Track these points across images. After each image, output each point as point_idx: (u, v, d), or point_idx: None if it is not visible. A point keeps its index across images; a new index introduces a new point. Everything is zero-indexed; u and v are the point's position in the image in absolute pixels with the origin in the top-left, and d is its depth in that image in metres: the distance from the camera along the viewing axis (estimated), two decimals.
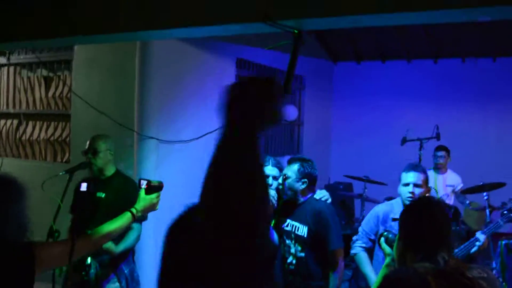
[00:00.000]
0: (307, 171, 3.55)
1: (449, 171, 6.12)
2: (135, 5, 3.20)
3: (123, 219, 2.69)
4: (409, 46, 8.69)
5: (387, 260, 2.56)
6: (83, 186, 2.90)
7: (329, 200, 3.59)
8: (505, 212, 3.55)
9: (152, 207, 2.76)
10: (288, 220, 3.63)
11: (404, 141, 5.54)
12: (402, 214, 2.35)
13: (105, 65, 5.70)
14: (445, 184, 5.97)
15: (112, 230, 2.63)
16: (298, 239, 3.53)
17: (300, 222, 3.54)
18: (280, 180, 3.60)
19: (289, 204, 3.61)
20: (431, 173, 6.12)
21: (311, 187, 3.59)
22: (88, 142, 4.01)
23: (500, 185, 5.16)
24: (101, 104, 5.64)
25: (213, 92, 6.39)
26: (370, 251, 3.69)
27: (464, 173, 6.01)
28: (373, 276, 3.50)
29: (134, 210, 2.70)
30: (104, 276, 3.70)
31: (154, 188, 2.76)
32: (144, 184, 2.74)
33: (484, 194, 5.10)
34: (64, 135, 6.17)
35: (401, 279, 2.06)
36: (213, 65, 6.52)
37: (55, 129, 6.24)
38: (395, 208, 3.58)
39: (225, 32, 3.17)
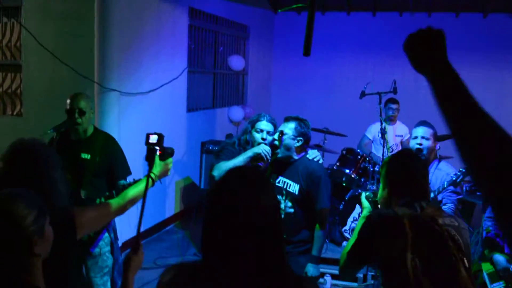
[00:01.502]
0: (303, 130, 3.66)
1: (398, 122, 6.47)
2: None
3: (142, 184, 2.69)
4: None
5: (364, 211, 2.79)
6: (153, 138, 2.61)
7: (321, 161, 3.74)
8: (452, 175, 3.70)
9: (166, 172, 2.77)
10: (280, 177, 3.74)
11: (363, 94, 5.76)
12: (387, 164, 2.59)
13: (60, 12, 5.40)
14: (395, 134, 6.34)
15: (137, 195, 2.65)
16: (289, 195, 3.66)
17: (292, 179, 3.65)
18: (276, 136, 3.68)
19: (281, 161, 3.71)
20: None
21: (305, 146, 3.71)
22: (69, 102, 3.81)
23: (449, 136, 5.59)
24: (57, 55, 5.37)
25: (166, 42, 6.31)
26: None
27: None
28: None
29: (152, 175, 2.70)
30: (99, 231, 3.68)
31: (167, 153, 2.75)
32: (155, 139, 2.66)
33: (437, 145, 5.49)
34: (14, 87, 5.83)
35: (380, 217, 2.37)
36: (167, 14, 6.36)
37: (3, 80, 5.86)
38: None
39: None
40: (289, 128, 3.67)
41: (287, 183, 3.68)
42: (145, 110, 5.91)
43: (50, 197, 2.18)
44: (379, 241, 2.34)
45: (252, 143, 3.80)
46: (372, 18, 9.22)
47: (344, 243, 3.92)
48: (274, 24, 9.77)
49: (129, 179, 3.83)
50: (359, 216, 4.03)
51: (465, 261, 2.27)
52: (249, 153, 3.63)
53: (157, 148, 2.74)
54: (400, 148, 6.43)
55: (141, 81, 5.86)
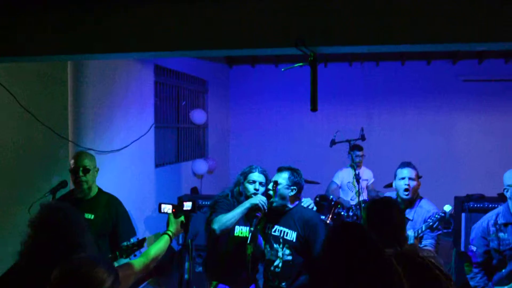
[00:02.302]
0: (296, 180, 3.80)
1: (363, 167, 6.76)
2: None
3: (163, 242, 2.84)
4: None
5: None
6: (187, 205, 2.94)
7: (315, 208, 3.89)
8: (428, 220, 3.98)
9: (179, 228, 2.97)
10: (276, 226, 3.84)
11: (333, 143, 6.00)
12: (367, 209, 2.88)
13: (33, 73, 5.36)
14: (361, 179, 6.60)
15: (159, 252, 2.76)
16: (286, 243, 3.76)
17: (289, 227, 3.76)
18: (270, 186, 3.79)
19: (276, 210, 3.82)
20: (348, 170, 6.72)
21: (298, 195, 3.85)
22: (73, 161, 3.83)
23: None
24: (27, 114, 5.31)
25: (135, 99, 6.38)
26: None
27: (380, 169, 6.74)
28: None
29: (170, 233, 2.88)
30: None
31: (179, 211, 2.99)
32: (170, 209, 2.98)
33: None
34: None
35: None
36: (134, 72, 6.45)
37: None
38: None
39: (253, 52, 3.30)
40: (282, 178, 3.80)
41: (284, 231, 3.78)
42: (117, 167, 5.89)
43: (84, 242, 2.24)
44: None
45: (245, 194, 3.90)
46: (323, 69, 9.64)
47: None
48: (229, 78, 10.02)
49: (133, 239, 3.82)
50: None
51: (454, 286, 2.50)
52: (246, 204, 3.72)
53: (169, 205, 2.97)
54: (366, 191, 6.69)
55: (112, 139, 5.86)
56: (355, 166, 6.05)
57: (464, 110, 9.10)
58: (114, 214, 3.82)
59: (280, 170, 3.89)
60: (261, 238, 3.97)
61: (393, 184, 4.23)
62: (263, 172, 3.96)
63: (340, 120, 9.39)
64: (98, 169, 3.96)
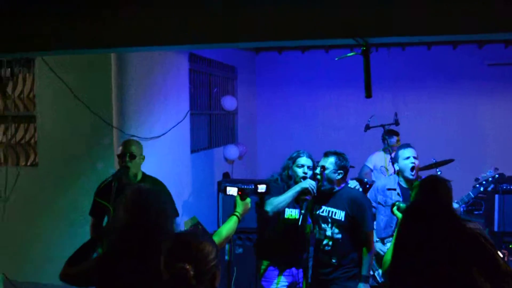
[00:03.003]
0: (343, 164, 3.96)
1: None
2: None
3: (232, 222, 3.02)
4: None
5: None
6: (261, 188, 3.14)
7: (360, 189, 4.07)
8: (477, 185, 4.24)
9: (247, 210, 3.15)
10: (324, 207, 4.02)
11: (367, 127, 6.15)
12: (417, 187, 3.06)
13: (75, 63, 5.54)
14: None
15: (230, 233, 2.94)
16: (335, 222, 3.93)
17: (337, 207, 3.94)
18: (318, 171, 3.96)
19: (323, 192, 3.99)
20: (381, 154, 6.85)
21: (345, 178, 4.01)
22: (121, 147, 4.05)
23: (449, 161, 6.08)
24: (73, 103, 5.51)
25: (172, 86, 6.55)
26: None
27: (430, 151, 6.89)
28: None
29: (237, 214, 3.06)
30: None
31: (245, 193, 3.17)
32: (235, 191, 3.16)
33: (438, 170, 5.94)
34: (27, 138, 5.90)
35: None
36: (171, 60, 6.61)
37: (16, 131, 5.93)
38: (391, 181, 4.51)
39: (312, 42, 3.44)
40: (329, 163, 3.96)
41: (332, 212, 3.95)
42: (157, 153, 6.07)
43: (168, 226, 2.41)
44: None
45: (294, 178, 4.06)
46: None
47: (384, 249, 4.27)
48: (255, 64, 10.15)
49: (177, 220, 4.02)
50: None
51: (498, 252, 2.71)
52: (297, 187, 3.88)
53: (235, 188, 3.16)
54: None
55: (152, 126, 6.04)
56: (390, 150, 6.15)
57: (489, 94, 9.15)
58: None
59: (326, 155, 4.04)
60: (310, 219, 4.15)
61: (396, 167, 4.41)
62: (310, 157, 4.11)
63: (367, 105, 9.48)
64: (144, 157, 4.15)
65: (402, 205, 3.35)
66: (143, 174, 4.16)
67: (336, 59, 3.79)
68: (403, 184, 4.33)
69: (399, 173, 4.37)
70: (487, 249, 2.63)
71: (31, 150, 5.91)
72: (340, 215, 3.91)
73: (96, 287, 2.48)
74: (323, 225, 4.00)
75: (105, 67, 5.44)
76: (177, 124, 6.61)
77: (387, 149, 6.51)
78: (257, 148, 10.08)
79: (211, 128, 8.06)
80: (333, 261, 3.96)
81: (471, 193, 4.34)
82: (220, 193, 5.96)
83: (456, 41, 8.92)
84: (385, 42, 9.03)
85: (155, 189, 2.54)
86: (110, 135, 5.51)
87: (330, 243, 3.96)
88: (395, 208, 3.36)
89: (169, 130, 6.36)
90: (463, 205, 4.28)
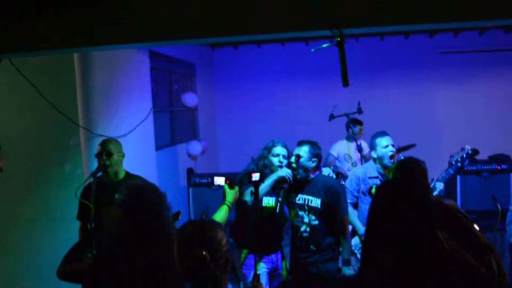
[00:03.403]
0: (316, 152, 4.09)
1: (360, 139, 7.08)
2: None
3: (223, 212, 3.08)
4: None
5: None
6: (255, 176, 3.18)
7: (334, 177, 4.21)
8: (453, 162, 4.42)
9: (236, 198, 3.23)
10: (300, 195, 4.14)
11: (332, 117, 6.31)
12: (394, 169, 3.23)
13: (38, 64, 5.44)
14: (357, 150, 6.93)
15: (222, 222, 3.01)
16: (311, 210, 4.06)
17: (313, 195, 4.07)
18: (293, 159, 4.06)
19: (299, 181, 4.10)
20: (344, 142, 7.04)
21: (319, 166, 4.14)
22: (99, 147, 4.03)
23: (412, 146, 6.33)
24: (37, 105, 5.41)
25: (135, 85, 6.53)
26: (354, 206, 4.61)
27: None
28: (359, 224, 4.31)
29: (228, 203, 3.13)
30: None
31: (233, 182, 3.26)
32: (222, 181, 3.23)
33: (401, 155, 6.16)
34: None
35: None
36: (132, 58, 6.56)
37: None
38: (369, 169, 4.53)
39: (284, 36, 3.49)
40: (303, 151, 4.08)
41: (308, 199, 4.07)
42: (125, 152, 6.04)
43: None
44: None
45: (270, 167, 4.15)
46: (304, 47, 9.88)
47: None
48: (212, 60, 10.18)
49: None
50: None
51: (475, 225, 2.88)
52: (274, 176, 3.98)
53: (222, 178, 3.23)
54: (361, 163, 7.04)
55: (118, 124, 5.99)
56: (356, 137, 6.31)
57: (442, 81, 9.52)
58: None
59: (300, 144, 4.16)
60: (286, 207, 4.26)
61: (374, 155, 4.54)
62: (285, 146, 4.22)
63: (323, 95, 9.71)
64: (123, 155, 4.14)
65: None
66: (126, 173, 4.16)
67: (312, 50, 3.86)
68: (381, 171, 4.46)
69: (376, 160, 4.49)
70: (464, 222, 2.79)
71: None
72: (316, 202, 4.04)
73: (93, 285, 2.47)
74: (300, 213, 4.12)
75: (69, 67, 5.38)
76: (142, 122, 6.58)
77: (351, 137, 6.70)
78: (218, 143, 10.13)
79: (173, 125, 8.05)
80: (311, 247, 4.08)
81: (450, 170, 4.43)
82: (190, 187, 5.99)
83: (408, 31, 9.22)
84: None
85: (150, 184, 2.55)
86: (77, 136, 5.46)
87: (308, 229, 4.08)
88: (373, 190, 3.49)
89: (134, 128, 6.31)
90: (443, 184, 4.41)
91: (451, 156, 4.61)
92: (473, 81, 9.51)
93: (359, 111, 6.29)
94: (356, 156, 6.92)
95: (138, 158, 6.47)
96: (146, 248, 2.27)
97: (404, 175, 3.19)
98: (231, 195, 3.23)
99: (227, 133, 10.08)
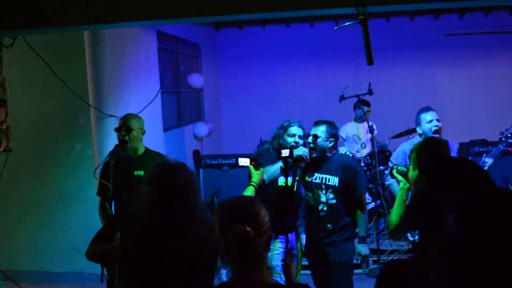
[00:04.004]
0: (333, 132, 4.08)
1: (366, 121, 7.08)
2: None
3: (250, 192, 3.09)
4: None
5: (401, 185, 3.38)
6: (285, 152, 3.18)
7: (351, 155, 4.21)
8: (503, 138, 4.35)
9: (262, 179, 3.23)
10: (316, 174, 4.12)
11: (342, 98, 6.29)
12: (417, 149, 3.18)
13: (48, 44, 5.40)
14: (366, 132, 6.92)
15: None
16: (329, 188, 4.05)
17: (330, 174, 4.06)
18: (310, 139, 4.05)
19: (315, 160, 4.10)
20: (352, 124, 7.03)
21: (335, 145, 4.13)
22: (120, 121, 4.00)
23: (411, 131, 6.33)
24: (46, 85, 5.38)
25: (143, 65, 6.48)
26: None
27: (391, 120, 7.11)
28: None
29: (254, 184, 3.13)
30: None
31: (258, 164, 3.26)
32: (247, 162, 3.23)
33: (411, 136, 6.18)
34: None
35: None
36: (141, 38, 6.51)
37: None
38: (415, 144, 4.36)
39: (310, 13, 3.45)
40: (321, 131, 4.06)
41: (326, 178, 4.07)
42: None
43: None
44: (427, 211, 2.84)
45: (285, 147, 4.14)
46: (310, 29, 9.83)
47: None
48: (217, 41, 10.12)
49: None
50: None
51: None
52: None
53: (247, 159, 3.23)
54: (370, 144, 7.04)
55: (127, 105, 5.96)
56: (367, 118, 6.29)
57: (447, 63, 9.50)
58: None
59: (317, 124, 4.14)
60: (302, 186, 4.26)
61: (419, 130, 4.47)
62: (301, 126, 4.19)
63: (329, 77, 9.70)
64: (144, 131, 4.11)
65: (401, 167, 3.47)
66: (146, 149, 4.14)
67: (335, 28, 3.81)
68: None
69: (422, 135, 4.44)
70: None
71: (3, 135, 5.73)
72: (334, 180, 4.03)
73: (125, 266, 2.45)
74: (317, 192, 4.11)
75: (78, 46, 5.35)
76: (150, 102, 6.55)
77: (361, 118, 6.68)
78: (222, 125, 10.11)
79: (179, 106, 8.02)
80: (329, 226, 4.08)
81: (501, 146, 4.32)
82: (201, 169, 5.99)
83: (415, 10, 9.15)
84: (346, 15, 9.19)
85: (179, 162, 2.51)
86: (87, 115, 5.44)
87: (325, 208, 4.07)
88: (394, 171, 3.47)
89: (143, 109, 6.29)
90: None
91: (500, 133, 4.53)
92: (478, 63, 9.48)
93: (370, 92, 6.27)
94: (365, 137, 6.91)
95: (146, 139, 6.43)
96: (177, 229, 2.27)
97: (427, 157, 3.16)
98: (256, 176, 3.24)
99: (231, 115, 10.05)
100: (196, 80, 8.21)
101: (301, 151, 3.95)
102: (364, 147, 6.77)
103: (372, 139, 7.07)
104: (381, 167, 5.77)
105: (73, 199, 5.50)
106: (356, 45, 9.52)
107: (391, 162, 4.60)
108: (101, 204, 4.09)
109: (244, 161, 3.30)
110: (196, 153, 8.12)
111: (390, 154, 6.31)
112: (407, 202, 3.33)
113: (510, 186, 5.37)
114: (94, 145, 5.43)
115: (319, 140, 4.02)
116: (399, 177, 3.41)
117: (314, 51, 9.80)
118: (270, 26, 9.85)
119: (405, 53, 9.51)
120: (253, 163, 3.29)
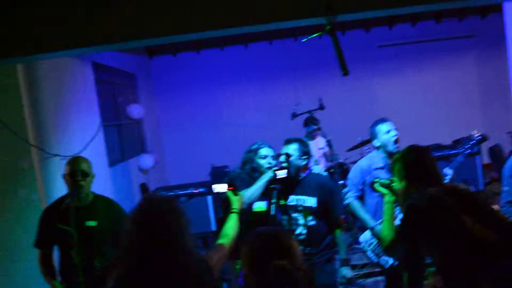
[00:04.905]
0: (306, 149, 3.90)
1: (318, 137, 6.98)
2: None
3: (234, 221, 2.86)
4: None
5: (387, 198, 3.27)
6: (282, 173, 2.93)
7: (325, 174, 4.05)
8: (461, 150, 4.30)
9: (243, 204, 3.02)
10: (291, 196, 3.92)
11: (294, 115, 6.17)
12: (401, 159, 3.09)
13: None
14: (317, 148, 6.82)
15: (235, 232, 2.78)
16: (307, 210, 3.86)
17: (307, 194, 3.86)
18: (283, 159, 3.85)
19: (287, 182, 3.89)
20: (295, 144, 6.91)
21: (308, 164, 3.96)
22: (69, 165, 3.59)
23: (366, 142, 6.32)
24: None
25: (82, 99, 6.12)
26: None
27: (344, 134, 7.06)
28: (369, 217, 4.12)
29: (235, 211, 2.91)
30: None
31: (235, 187, 3.03)
32: (225, 188, 3.02)
33: (366, 148, 6.14)
34: None
35: (423, 200, 2.83)
36: (77, 70, 6.16)
37: None
38: (374, 159, 4.22)
39: (278, 26, 3.27)
40: (293, 150, 3.88)
41: (302, 199, 3.88)
42: None
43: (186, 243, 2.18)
44: (430, 219, 2.75)
45: (259, 170, 3.93)
46: (244, 50, 9.73)
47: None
48: (151, 70, 9.81)
49: None
50: None
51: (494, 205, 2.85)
52: (265, 177, 3.75)
53: (223, 185, 3.00)
54: (324, 160, 6.94)
55: (70, 142, 5.57)
56: (324, 133, 6.21)
57: (382, 74, 9.68)
58: (115, 217, 3.62)
59: (288, 142, 3.96)
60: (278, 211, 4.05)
61: (376, 144, 4.31)
62: (270, 146, 4.01)
63: (269, 97, 9.62)
64: (94, 175, 3.76)
65: (383, 180, 3.35)
66: (94, 194, 3.75)
67: (303, 41, 3.66)
68: (387, 160, 4.21)
69: (380, 148, 4.24)
70: (485, 205, 2.75)
71: None
72: (311, 201, 3.85)
73: None
74: (293, 215, 3.91)
75: (12, 82, 4.90)
76: (94, 137, 6.17)
77: (312, 134, 6.61)
78: (165, 155, 9.76)
79: (121, 139, 7.64)
80: (307, 249, 3.88)
81: (460, 157, 4.27)
82: None
83: (346, 25, 9.28)
84: (279, 34, 9.21)
85: (167, 198, 2.30)
86: (29, 157, 4.98)
87: (305, 231, 3.87)
88: (377, 185, 3.34)
89: (87, 145, 5.91)
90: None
91: (458, 142, 4.48)
92: (412, 71, 9.74)
93: (321, 107, 6.19)
94: (318, 153, 6.82)
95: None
96: (172, 270, 2.10)
97: (414, 166, 3.05)
98: (236, 201, 2.98)
99: (173, 144, 9.74)
100: (135, 110, 7.87)
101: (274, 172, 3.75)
102: (318, 164, 6.66)
103: (325, 155, 7.03)
104: (340, 181, 5.68)
105: (21, 251, 5.00)
106: (293, 62, 9.64)
107: (351, 181, 4.43)
108: (43, 257, 3.67)
109: (220, 187, 3.05)
110: (143, 187, 7.74)
111: (347, 169, 6.25)
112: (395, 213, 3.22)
113: (471, 188, 5.41)
114: (40, 189, 4.99)
115: (292, 159, 3.83)
116: (384, 190, 3.30)
117: (251, 72, 9.74)
118: (205, 51, 9.67)
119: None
120: (231, 188, 3.04)
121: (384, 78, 9.69)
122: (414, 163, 3.05)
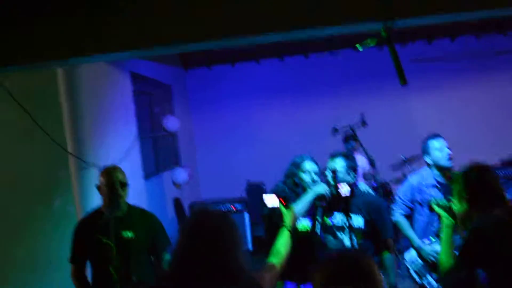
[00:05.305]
0: (352, 164, 3.74)
1: (357, 154, 6.79)
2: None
3: (286, 237, 2.73)
4: (256, 48, 9.14)
5: (445, 221, 3.04)
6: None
7: (373, 193, 3.87)
8: None
9: (294, 220, 2.89)
10: (336, 214, 3.75)
11: (335, 130, 6.02)
12: (462, 179, 2.86)
13: (19, 92, 4.89)
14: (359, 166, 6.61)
15: (287, 249, 2.66)
16: (353, 230, 3.67)
17: (353, 213, 3.68)
18: (329, 176, 3.69)
19: (332, 199, 3.72)
20: (341, 159, 6.72)
21: (355, 180, 3.79)
22: (105, 176, 3.51)
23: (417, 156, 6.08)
24: (19, 136, 4.87)
25: (119, 109, 6.06)
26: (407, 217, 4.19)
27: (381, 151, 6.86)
28: (416, 237, 3.94)
29: (287, 227, 2.78)
30: None
31: (286, 201, 2.91)
32: (277, 201, 2.90)
33: (408, 166, 5.92)
34: None
35: (486, 224, 2.61)
36: (115, 80, 6.11)
37: None
38: (425, 176, 4.04)
39: (334, 31, 3.15)
40: (340, 166, 3.72)
41: (348, 219, 3.69)
42: None
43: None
44: (497, 246, 2.52)
45: (302, 185, 3.78)
46: (279, 63, 9.59)
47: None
48: (186, 82, 9.75)
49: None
50: None
51: None
52: (311, 194, 3.60)
53: (273, 196, 2.87)
54: (363, 180, 6.72)
55: (107, 152, 5.51)
56: (365, 150, 6.04)
57: (419, 90, 9.42)
58: (151, 229, 3.57)
59: (333, 157, 3.81)
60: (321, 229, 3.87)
61: (428, 160, 4.13)
62: (314, 160, 3.86)
63: (305, 112, 9.44)
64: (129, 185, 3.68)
65: (442, 201, 3.16)
66: (128, 204, 3.66)
67: (358, 47, 3.51)
68: (439, 178, 4.07)
69: (431, 166, 4.07)
70: None
71: None
72: (358, 221, 3.67)
73: None
74: (338, 234, 3.73)
75: (53, 89, 4.87)
76: (129, 149, 6.11)
77: (352, 151, 6.43)
78: (198, 169, 9.64)
79: (156, 151, 7.56)
80: None
81: None
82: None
83: (382, 42, 9.03)
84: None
85: (222, 211, 2.19)
86: (66, 166, 4.92)
87: None
88: (434, 206, 3.15)
89: (124, 156, 5.85)
90: None
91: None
92: (448, 88, 9.47)
93: (363, 123, 6.01)
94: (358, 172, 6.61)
95: (130, 188, 5.99)
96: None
97: (476, 186, 2.83)
98: (288, 216, 2.82)
99: (207, 159, 9.60)
100: (171, 123, 7.80)
101: (322, 188, 3.59)
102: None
103: (364, 174, 6.81)
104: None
105: (55, 264, 4.92)
106: (329, 78, 9.45)
107: (399, 197, 4.27)
108: (75, 274, 3.57)
109: (271, 200, 2.92)
110: (177, 202, 7.63)
111: (390, 190, 6.04)
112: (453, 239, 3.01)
113: None
114: (76, 200, 4.92)
115: (338, 174, 3.67)
116: (442, 213, 3.08)
117: (287, 86, 9.58)
118: (239, 64, 9.54)
119: (378, 82, 9.30)
120: (283, 202, 2.88)
121: (423, 93, 9.42)
122: (476, 183, 2.81)
